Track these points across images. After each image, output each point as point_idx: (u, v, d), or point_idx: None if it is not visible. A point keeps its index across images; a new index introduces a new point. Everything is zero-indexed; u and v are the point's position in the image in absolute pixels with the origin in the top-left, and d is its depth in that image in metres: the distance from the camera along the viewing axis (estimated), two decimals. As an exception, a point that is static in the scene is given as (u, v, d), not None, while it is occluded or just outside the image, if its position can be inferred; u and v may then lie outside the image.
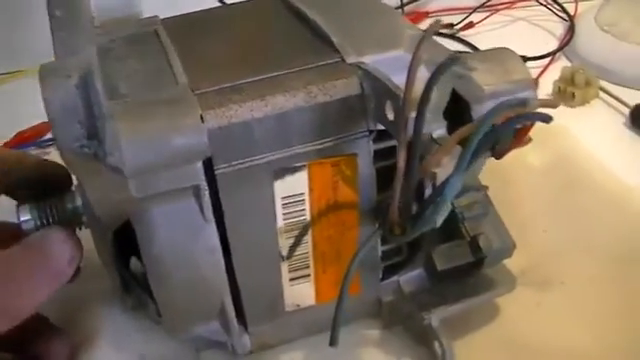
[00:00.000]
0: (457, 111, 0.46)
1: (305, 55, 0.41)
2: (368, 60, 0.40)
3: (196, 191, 0.38)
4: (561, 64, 0.72)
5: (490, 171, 0.47)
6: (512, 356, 0.45)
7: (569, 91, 0.67)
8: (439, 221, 0.39)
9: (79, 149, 0.36)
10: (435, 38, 0.47)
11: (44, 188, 0.42)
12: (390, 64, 0.40)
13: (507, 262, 0.47)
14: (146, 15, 0.49)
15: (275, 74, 0.40)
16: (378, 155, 0.41)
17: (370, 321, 0.47)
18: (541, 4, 0.84)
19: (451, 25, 0.81)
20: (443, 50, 0.43)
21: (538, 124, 0.47)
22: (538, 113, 0.36)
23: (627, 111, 0.65)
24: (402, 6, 0.85)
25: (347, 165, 0.40)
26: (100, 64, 0.41)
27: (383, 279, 0.45)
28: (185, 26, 0.47)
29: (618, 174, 0.57)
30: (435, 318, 0.44)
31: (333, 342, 0.40)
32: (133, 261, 0.46)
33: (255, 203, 0.40)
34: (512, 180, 0.55)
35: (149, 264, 0.40)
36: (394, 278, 0.46)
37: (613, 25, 0.75)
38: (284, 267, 0.42)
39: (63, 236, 0.40)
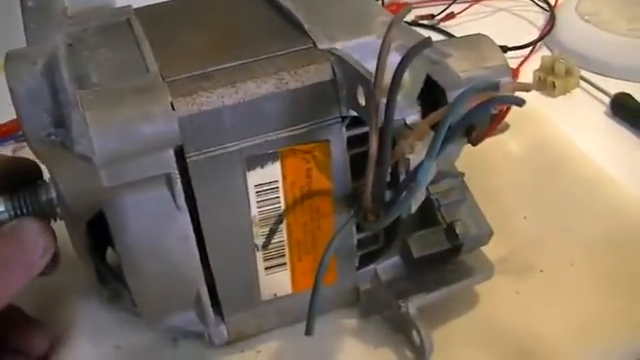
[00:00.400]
0: (433, 98, 0.46)
1: (276, 42, 0.41)
2: (340, 46, 0.40)
3: (168, 179, 0.38)
4: (542, 54, 0.71)
5: (469, 158, 0.47)
6: (491, 344, 0.45)
7: (549, 80, 0.67)
8: (414, 207, 0.39)
9: (47, 138, 0.36)
10: (415, 29, 0.47)
11: (15, 181, 0.42)
12: (362, 50, 0.40)
13: (486, 250, 0.46)
14: (119, 4, 0.49)
15: (246, 61, 0.40)
16: (352, 142, 0.41)
17: (348, 310, 0.47)
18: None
19: (432, 16, 0.82)
20: (416, 36, 0.43)
21: (515, 110, 0.47)
22: (511, 96, 0.36)
23: (608, 100, 0.65)
24: (382, -5, 0.84)
25: (320, 152, 0.40)
26: (69, 52, 0.41)
27: (360, 267, 0.45)
28: (157, 15, 0.47)
29: (599, 163, 0.56)
30: (412, 306, 0.43)
31: (309, 331, 0.40)
32: (109, 252, 0.46)
33: (228, 191, 0.39)
34: (491, 167, 0.55)
35: (122, 253, 0.40)
36: (371, 266, 0.45)
37: (594, 15, 0.75)
38: (259, 256, 0.42)
39: (37, 227, 0.40)
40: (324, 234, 0.42)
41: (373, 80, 0.36)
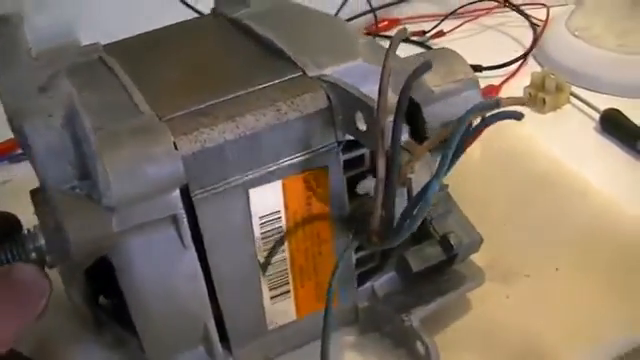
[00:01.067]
0: (408, 113, 0.47)
1: (264, 72, 0.41)
2: (329, 72, 0.41)
3: (174, 220, 0.38)
4: (533, 70, 0.71)
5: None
6: (486, 347, 0.46)
7: (540, 97, 0.67)
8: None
9: (70, 190, 0.35)
10: (406, 45, 0.47)
11: None
12: (351, 74, 0.41)
13: (473, 258, 0.48)
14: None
15: (238, 94, 0.40)
16: (347, 165, 0.42)
17: (347, 329, 0.47)
18: (512, 9, 0.84)
19: (423, 32, 0.82)
20: (403, 61, 0.44)
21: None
22: (511, 111, 0.38)
23: (597, 116, 0.65)
24: (373, 11, 0.85)
25: (319, 178, 0.41)
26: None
27: (358, 286, 0.46)
28: (130, 51, 0.46)
29: (589, 178, 0.57)
30: (415, 318, 0.44)
31: (325, 357, 0.40)
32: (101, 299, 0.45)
33: (233, 225, 0.40)
34: (467, 175, 0.57)
35: (130, 297, 0.39)
36: (368, 284, 0.46)
37: (584, 30, 0.75)
38: (264, 286, 0.42)
39: (34, 268, 0.39)
40: (325, 259, 0.43)
41: (375, 105, 0.37)
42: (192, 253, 0.39)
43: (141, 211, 0.36)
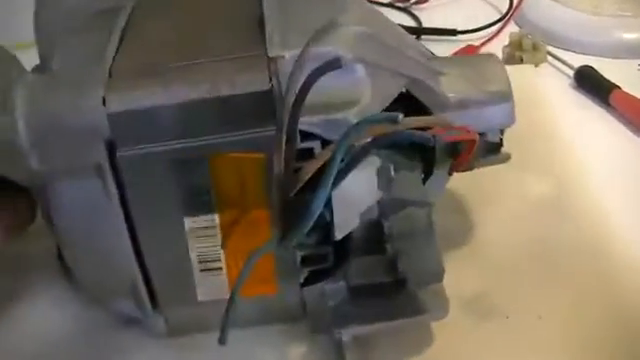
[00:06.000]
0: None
1: (236, 44, 0.40)
2: (289, 54, 0.38)
3: (99, 169, 0.39)
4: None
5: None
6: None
7: (517, 55, 0.72)
8: (339, 233, 0.38)
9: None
10: (390, 10, 0.43)
11: None
12: (317, 58, 0.38)
13: (455, 284, 0.43)
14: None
15: (197, 61, 0.39)
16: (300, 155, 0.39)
17: (298, 325, 0.45)
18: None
19: None
20: (383, 51, 0.40)
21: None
22: (418, 133, 0.33)
23: (572, 73, 0.69)
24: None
25: (253, 162, 0.39)
26: (50, 40, 0.43)
27: (307, 284, 0.43)
28: (155, 2, 0.47)
29: (565, 133, 0.61)
30: (347, 333, 0.41)
31: (222, 340, 0.39)
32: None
33: (158, 190, 0.39)
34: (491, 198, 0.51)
35: (58, 235, 0.41)
36: (319, 285, 0.44)
37: None
38: (193, 257, 0.42)
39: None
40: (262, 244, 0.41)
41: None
42: (117, 208, 0.40)
43: (63, 155, 0.38)
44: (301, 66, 0.34)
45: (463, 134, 0.38)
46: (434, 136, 0.33)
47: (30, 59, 0.44)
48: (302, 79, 0.34)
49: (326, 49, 0.38)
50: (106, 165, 0.38)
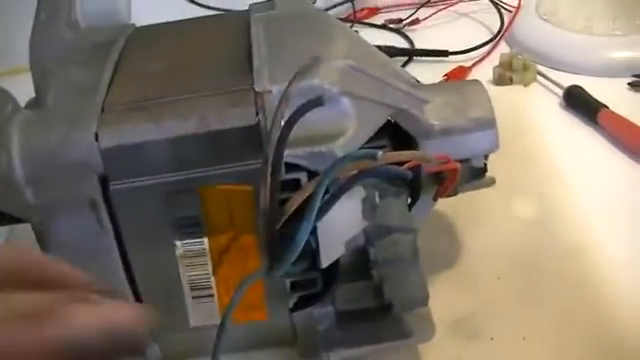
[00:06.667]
0: (407, 146, 0.45)
1: (224, 79, 0.42)
2: (276, 89, 0.40)
3: (93, 204, 0.40)
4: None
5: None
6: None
7: (508, 76, 0.73)
8: (324, 262, 0.39)
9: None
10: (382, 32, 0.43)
11: None
12: (304, 93, 0.39)
13: (442, 306, 0.44)
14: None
15: (186, 96, 0.41)
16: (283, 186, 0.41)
17: (288, 350, 0.46)
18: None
19: (399, 20, 0.86)
20: (368, 83, 0.41)
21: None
22: (395, 169, 0.34)
23: (562, 92, 0.70)
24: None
25: (242, 194, 0.40)
26: (42, 72, 0.44)
27: (297, 309, 0.45)
28: (149, 36, 0.48)
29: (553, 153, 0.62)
30: (335, 357, 0.43)
31: (213, 366, 0.40)
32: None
33: (151, 221, 0.41)
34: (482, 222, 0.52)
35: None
36: (308, 309, 0.45)
37: (552, 14, 0.81)
38: (185, 284, 0.43)
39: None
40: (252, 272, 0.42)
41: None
42: (111, 240, 0.41)
43: (58, 190, 0.39)
44: (286, 101, 0.35)
45: (444, 164, 0.39)
46: (415, 168, 0.34)
47: (29, 82, 0.45)
48: (287, 114, 0.35)
49: (311, 83, 0.39)
50: (99, 199, 0.40)
